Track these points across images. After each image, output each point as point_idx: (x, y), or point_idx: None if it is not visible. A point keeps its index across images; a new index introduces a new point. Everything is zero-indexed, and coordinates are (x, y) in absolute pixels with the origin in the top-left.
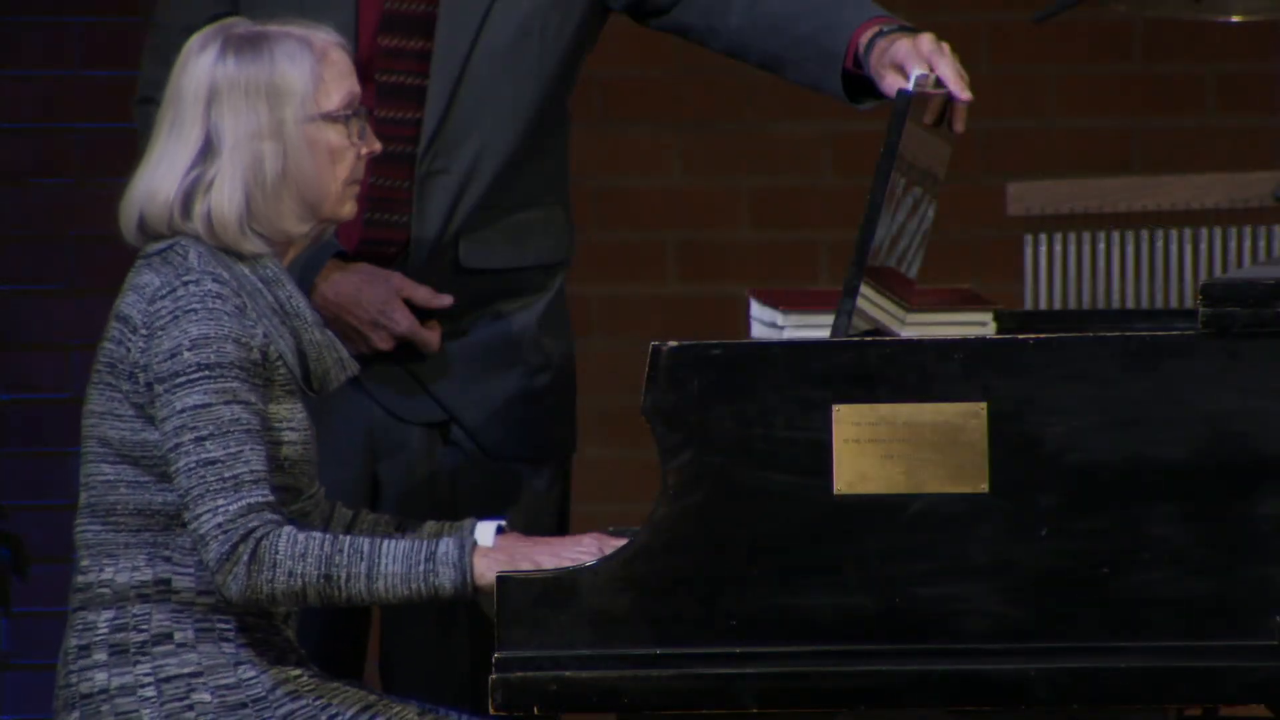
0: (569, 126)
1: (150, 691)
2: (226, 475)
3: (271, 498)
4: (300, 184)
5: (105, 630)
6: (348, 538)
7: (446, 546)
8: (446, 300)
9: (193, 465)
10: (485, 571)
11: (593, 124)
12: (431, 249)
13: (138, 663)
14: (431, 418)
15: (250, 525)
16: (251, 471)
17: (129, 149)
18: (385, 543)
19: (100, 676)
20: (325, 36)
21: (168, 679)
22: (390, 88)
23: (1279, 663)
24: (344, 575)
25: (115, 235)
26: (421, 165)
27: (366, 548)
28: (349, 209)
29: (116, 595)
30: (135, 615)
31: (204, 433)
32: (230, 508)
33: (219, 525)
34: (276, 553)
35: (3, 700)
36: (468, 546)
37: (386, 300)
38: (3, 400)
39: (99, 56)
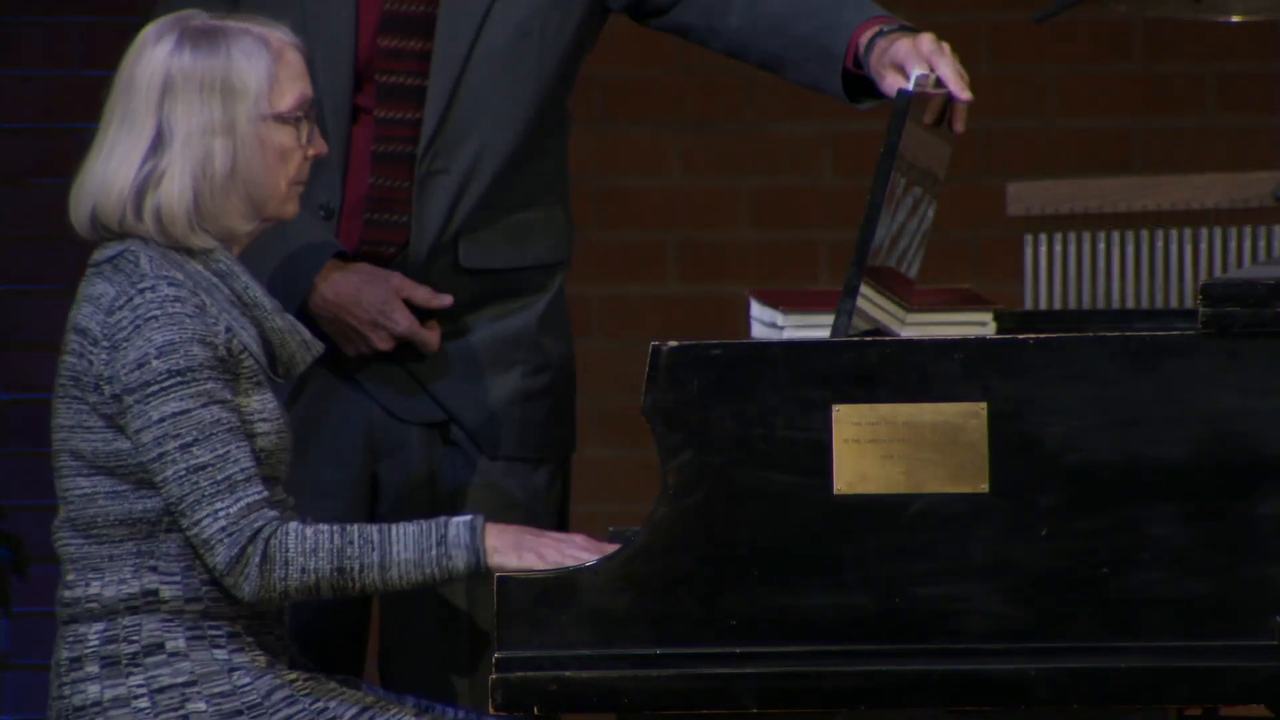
0: (569, 126)
1: (144, 703)
2: (219, 478)
3: (266, 493)
4: (248, 183)
5: (96, 642)
6: (355, 527)
7: (457, 530)
8: (446, 300)
9: (182, 473)
10: (496, 550)
11: (593, 124)
12: (431, 249)
13: (130, 674)
14: (431, 418)
15: (256, 525)
16: (242, 470)
17: None
18: (394, 529)
19: (93, 689)
20: (282, 36)
21: (161, 690)
22: (390, 88)
23: (1279, 663)
24: (357, 567)
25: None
26: (421, 165)
27: (376, 537)
28: (292, 209)
29: (105, 609)
30: (125, 626)
31: (188, 439)
32: (231, 510)
33: (223, 529)
34: (287, 550)
35: (3, 700)
36: (478, 527)
37: (386, 300)
38: (3, 400)
39: (99, 56)
